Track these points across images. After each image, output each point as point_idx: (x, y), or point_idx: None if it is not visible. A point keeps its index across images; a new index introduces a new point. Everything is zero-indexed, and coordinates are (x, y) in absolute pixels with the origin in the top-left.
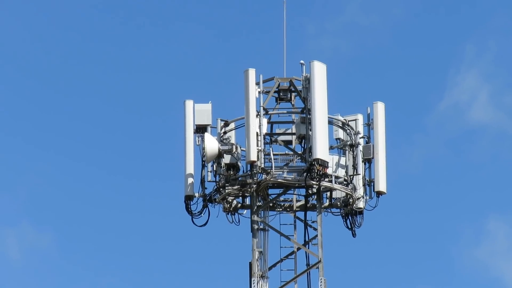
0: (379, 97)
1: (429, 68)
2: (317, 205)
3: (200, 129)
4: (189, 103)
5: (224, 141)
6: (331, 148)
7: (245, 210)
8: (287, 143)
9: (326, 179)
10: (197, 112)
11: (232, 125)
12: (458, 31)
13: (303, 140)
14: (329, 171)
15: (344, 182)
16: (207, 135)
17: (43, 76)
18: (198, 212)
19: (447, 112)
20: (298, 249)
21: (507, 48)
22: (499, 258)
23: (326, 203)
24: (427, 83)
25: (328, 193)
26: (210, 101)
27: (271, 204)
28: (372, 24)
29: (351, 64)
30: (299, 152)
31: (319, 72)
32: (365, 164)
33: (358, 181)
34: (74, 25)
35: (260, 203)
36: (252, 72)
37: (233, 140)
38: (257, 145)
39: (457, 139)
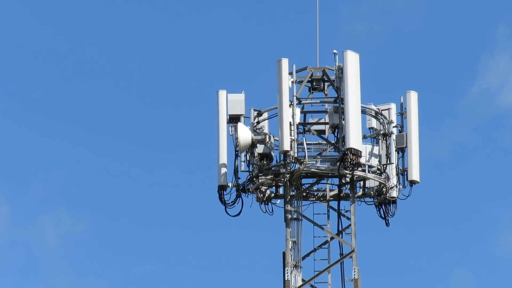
0: (411, 84)
1: (462, 52)
2: (351, 195)
3: (233, 119)
4: (222, 93)
5: (257, 131)
6: (364, 137)
7: (279, 200)
8: (320, 133)
9: (359, 169)
10: (230, 102)
11: (265, 115)
12: (491, 13)
13: (336, 130)
14: (362, 160)
15: (377, 172)
16: (240, 125)
17: (74, 74)
18: (231, 202)
19: (478, 97)
20: (332, 238)
21: None
22: None
23: (360, 193)
24: (459, 68)
25: (361, 183)
26: (243, 91)
27: (304, 194)
28: (406, 8)
29: (384, 50)
30: (332, 142)
31: (352, 61)
32: (398, 153)
33: (391, 170)
34: (102, 17)
35: (293, 193)
36: (285, 62)
37: (266, 130)
38: (290, 135)
39: (486, 124)
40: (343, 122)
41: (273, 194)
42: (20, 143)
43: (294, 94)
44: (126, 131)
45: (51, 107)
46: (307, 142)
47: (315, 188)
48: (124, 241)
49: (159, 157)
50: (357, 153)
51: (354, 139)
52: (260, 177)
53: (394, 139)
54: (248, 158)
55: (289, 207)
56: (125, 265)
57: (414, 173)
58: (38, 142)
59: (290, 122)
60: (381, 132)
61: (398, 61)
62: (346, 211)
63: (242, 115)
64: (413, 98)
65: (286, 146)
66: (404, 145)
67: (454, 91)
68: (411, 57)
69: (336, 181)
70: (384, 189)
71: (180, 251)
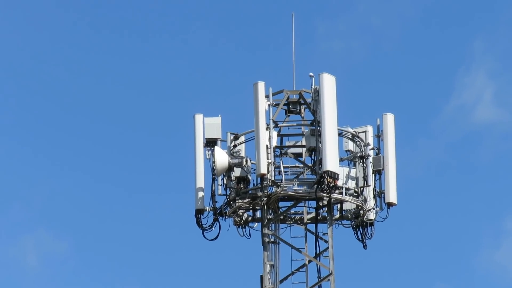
0: (388, 104)
1: (438, 69)
2: (328, 217)
3: (210, 143)
4: (199, 117)
5: (234, 154)
6: (341, 160)
7: (256, 223)
8: (297, 156)
9: (337, 191)
10: (207, 126)
11: (242, 139)
12: (467, 27)
13: (313, 153)
14: (340, 183)
15: (355, 194)
16: (217, 149)
17: (54, 96)
18: (208, 226)
19: (453, 115)
20: (309, 261)
21: None
22: None
23: (337, 215)
24: (435, 86)
25: (339, 205)
26: (220, 115)
27: (281, 217)
28: (383, 24)
29: (360, 69)
30: (309, 165)
31: (328, 84)
32: (375, 175)
33: (369, 193)
34: (77, 40)
35: (270, 216)
36: (261, 85)
37: (243, 154)
38: (267, 158)
39: (461, 141)
40: (320, 145)
41: (250, 218)
42: None
43: (271, 117)
44: (105, 154)
45: (31, 127)
46: (284, 165)
47: (292, 211)
48: (104, 262)
49: (137, 180)
50: (334, 176)
51: (331, 161)
52: (237, 201)
53: (371, 161)
54: (225, 182)
55: (266, 231)
56: (106, 286)
57: (391, 195)
58: (18, 163)
59: (267, 145)
60: (358, 154)
61: (375, 80)
62: (324, 234)
63: (218, 138)
64: (389, 120)
65: (263, 170)
66: (381, 168)
67: (429, 109)
68: (388, 75)
69: (313, 204)
70: (361, 212)
71: (158, 275)
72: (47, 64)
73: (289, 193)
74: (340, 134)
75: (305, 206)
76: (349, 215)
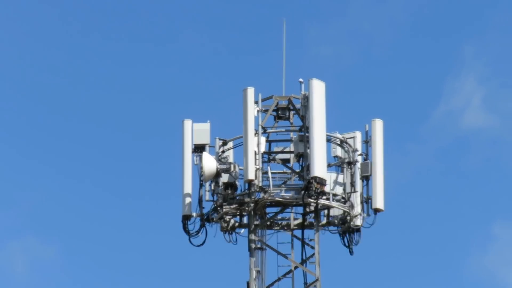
0: (376, 109)
1: (427, 74)
2: (315, 223)
3: (198, 149)
4: (188, 123)
5: (222, 160)
6: (329, 166)
7: (243, 229)
8: (285, 162)
9: (324, 197)
10: (196, 131)
11: (230, 144)
12: (457, 32)
13: (301, 158)
14: (327, 189)
15: (342, 200)
16: (205, 154)
17: (41, 100)
18: (195, 232)
19: (442, 120)
20: (296, 267)
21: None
22: (507, 265)
23: (324, 221)
24: (424, 91)
25: (326, 211)
26: (208, 121)
27: (268, 223)
28: (373, 29)
29: (350, 74)
30: (297, 171)
31: (317, 90)
32: (363, 181)
33: (356, 199)
34: (67, 47)
35: (257, 222)
36: (250, 91)
37: (231, 159)
38: (255, 164)
39: (450, 146)
40: (308, 150)
41: (237, 224)
42: None
43: (260, 123)
44: (92, 159)
45: (18, 131)
46: (272, 171)
47: (279, 217)
48: (92, 267)
49: (125, 185)
50: (321, 182)
51: (319, 167)
52: (224, 207)
53: (359, 167)
54: (212, 188)
55: (253, 237)
56: None
57: (379, 201)
58: (5, 167)
59: (255, 151)
60: (346, 160)
61: (364, 86)
62: (310, 240)
63: (207, 144)
64: (378, 126)
65: (251, 175)
66: (369, 173)
67: (418, 115)
68: (377, 81)
69: (300, 209)
70: (348, 218)
71: (145, 280)
72: (35, 67)
73: (277, 199)
74: (329, 140)
75: (292, 212)
76: (336, 221)
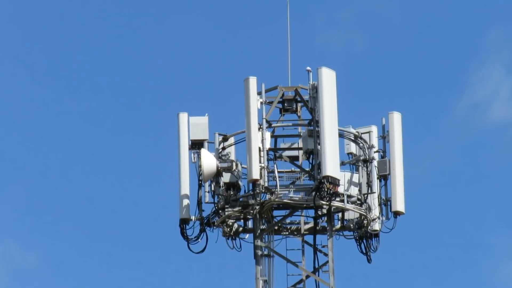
0: (393, 102)
1: (449, 64)
2: (328, 228)
3: (196, 145)
4: (183, 116)
5: (223, 157)
6: (342, 164)
7: (247, 235)
8: (293, 159)
9: (337, 199)
10: (192, 126)
11: (231, 140)
12: (482, 15)
13: (311, 156)
14: (341, 189)
15: (358, 202)
16: (203, 151)
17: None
18: (194, 237)
19: (467, 113)
20: (307, 277)
21: None
22: None
23: (338, 225)
24: (446, 82)
25: (340, 214)
26: (206, 114)
27: (276, 227)
28: (389, 14)
29: (363, 63)
30: (307, 169)
31: (327, 80)
32: (380, 181)
33: (373, 200)
34: (61, 38)
35: (264, 226)
36: (253, 81)
37: (232, 157)
38: (260, 162)
39: (475, 143)
40: (319, 147)
41: (241, 228)
42: None
43: (264, 117)
44: (77, 159)
45: (6, 134)
46: (278, 170)
47: (288, 221)
48: (75, 275)
49: (115, 187)
50: (334, 182)
51: (331, 166)
52: (226, 209)
53: (376, 165)
54: (213, 188)
55: (259, 243)
56: None
57: (399, 203)
58: None
59: (259, 148)
60: (361, 158)
61: (379, 76)
62: (323, 246)
63: (205, 140)
64: (396, 120)
65: (255, 175)
66: (387, 172)
67: (440, 108)
68: (393, 70)
69: (311, 212)
70: (365, 222)
71: None
72: (24, 62)
73: (285, 200)
74: (341, 135)
75: (303, 216)
76: (352, 225)
